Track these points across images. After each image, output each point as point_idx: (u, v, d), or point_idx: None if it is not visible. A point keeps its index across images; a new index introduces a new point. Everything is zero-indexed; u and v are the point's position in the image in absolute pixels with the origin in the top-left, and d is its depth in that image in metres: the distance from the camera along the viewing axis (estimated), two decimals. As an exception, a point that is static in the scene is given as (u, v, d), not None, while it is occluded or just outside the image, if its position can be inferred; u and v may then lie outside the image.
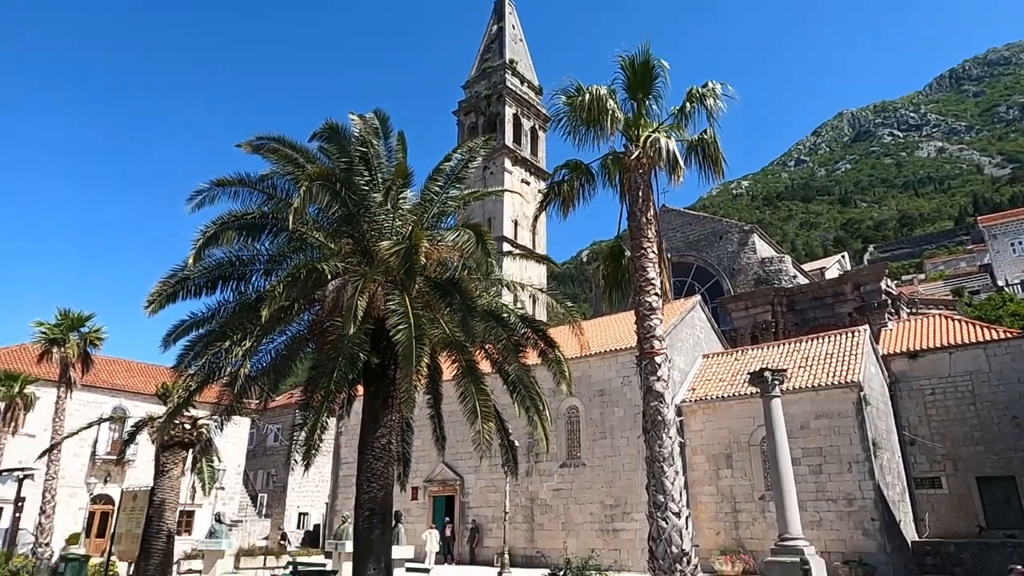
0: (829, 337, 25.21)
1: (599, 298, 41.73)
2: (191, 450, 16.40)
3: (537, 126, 56.85)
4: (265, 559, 23.55)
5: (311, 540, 36.78)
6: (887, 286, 33.50)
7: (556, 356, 11.86)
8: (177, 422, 14.86)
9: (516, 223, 49.83)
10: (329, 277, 10.28)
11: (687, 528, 8.55)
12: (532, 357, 12.25)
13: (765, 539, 21.91)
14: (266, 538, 36.95)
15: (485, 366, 11.98)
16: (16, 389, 26.20)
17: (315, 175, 10.02)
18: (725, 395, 24.10)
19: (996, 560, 20.52)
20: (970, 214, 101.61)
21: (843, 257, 63.54)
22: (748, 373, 24.14)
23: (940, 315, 30.26)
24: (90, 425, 19.28)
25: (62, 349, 24.59)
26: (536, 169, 54.22)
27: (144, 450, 27.57)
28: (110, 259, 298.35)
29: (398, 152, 12.07)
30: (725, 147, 10.50)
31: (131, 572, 15.75)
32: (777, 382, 12.01)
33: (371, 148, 11.42)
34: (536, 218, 11.18)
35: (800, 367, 23.28)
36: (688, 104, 10.22)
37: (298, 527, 40.62)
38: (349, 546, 16.98)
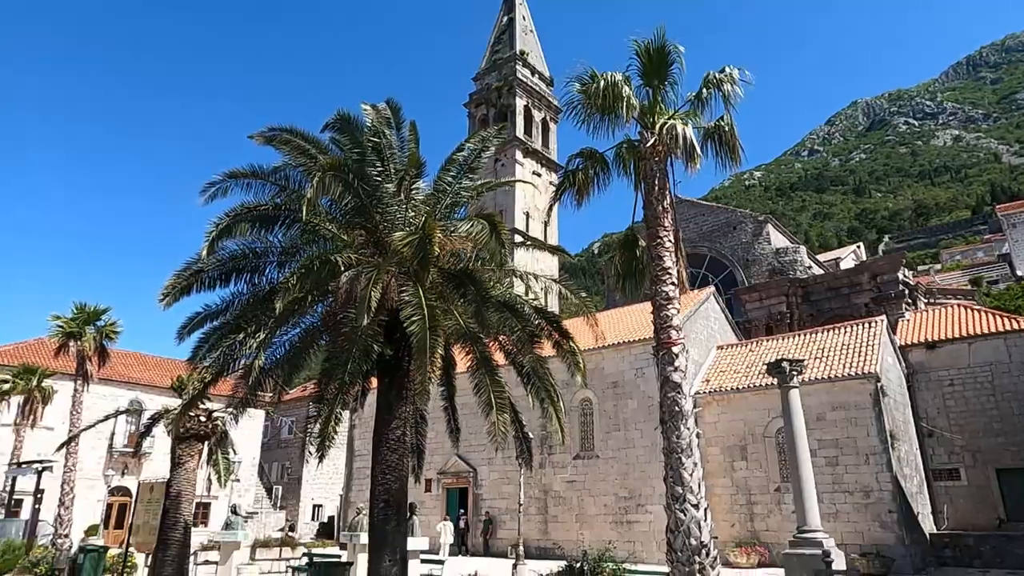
0: (845, 328, 24.94)
1: (611, 290, 41.57)
2: (207, 442, 16.47)
3: (548, 118, 56.57)
4: (281, 550, 23.69)
5: (325, 532, 37.02)
6: (904, 276, 33.07)
7: (571, 347, 11.76)
8: (192, 414, 14.92)
9: (528, 215, 49.69)
10: (342, 268, 10.22)
11: (706, 520, 8.45)
12: (546, 348, 12.16)
13: (781, 531, 21.78)
14: (281, 529, 37.25)
15: (499, 358, 11.92)
16: (34, 383, 26.49)
17: (328, 166, 9.95)
18: (740, 387, 23.93)
19: (1016, 553, 20.29)
20: (987, 203, 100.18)
21: (858, 247, 62.86)
22: (765, 364, 24.02)
23: (958, 305, 29.83)
24: (107, 418, 19.42)
25: (79, 343, 24.81)
26: (547, 161, 53.99)
27: (161, 443, 27.82)
28: (125, 253, 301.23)
29: (410, 142, 11.97)
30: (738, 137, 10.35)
31: (149, 563, 15.88)
32: (795, 372, 11.85)
33: (383, 138, 11.33)
34: (551, 207, 11.11)
35: (816, 358, 23.05)
36: (705, 90, 10.04)
37: (313, 519, 40.91)
38: (364, 538, 17.03)
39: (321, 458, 10.30)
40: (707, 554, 8.21)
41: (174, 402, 17.66)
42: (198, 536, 21.94)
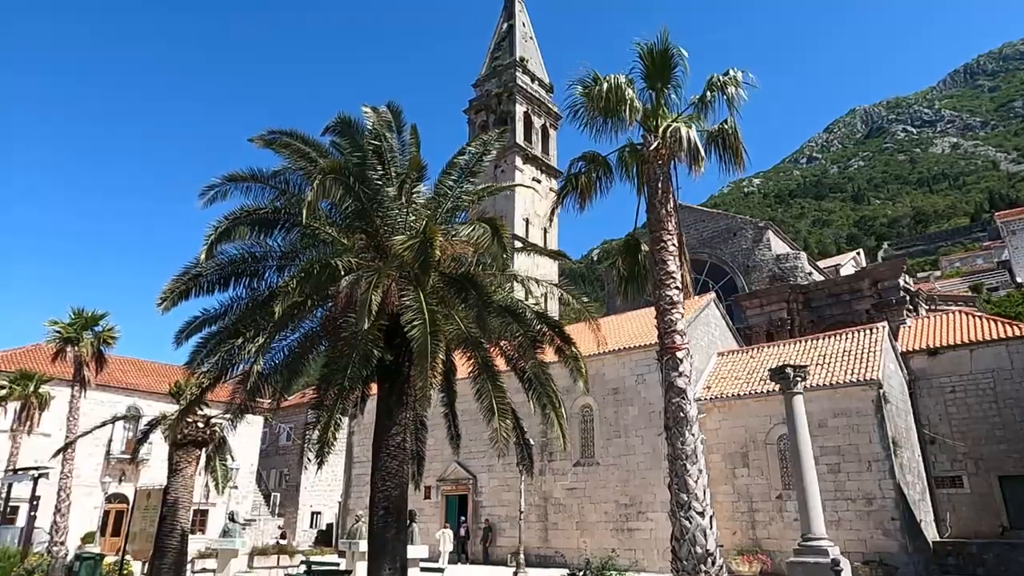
0: (847, 334, 24.85)
1: (612, 296, 41.48)
2: (204, 449, 16.33)
3: (548, 124, 56.60)
4: (279, 558, 23.49)
5: (324, 539, 36.76)
6: (905, 282, 33.01)
7: (573, 353, 11.65)
8: (190, 420, 14.80)
9: (527, 221, 49.64)
10: (342, 273, 10.12)
11: (711, 528, 8.32)
12: (548, 354, 12.05)
13: (783, 539, 21.62)
14: (275, 537, 36.99)
15: (500, 363, 11.82)
16: (31, 388, 26.33)
17: (328, 169, 9.87)
18: (741, 393, 23.80)
19: (1020, 561, 20.12)
20: (986, 210, 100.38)
21: (858, 254, 62.83)
22: (766, 371, 23.93)
23: (960, 311, 29.75)
24: (104, 424, 19.28)
25: (76, 348, 24.64)
26: (547, 167, 53.98)
27: (158, 449, 27.62)
28: (123, 257, 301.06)
29: (411, 146, 11.89)
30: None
31: (145, 571, 15.71)
32: (799, 378, 11.74)
33: (384, 142, 11.26)
34: (553, 210, 10.96)
35: (818, 365, 22.94)
36: (708, 93, 9.97)
37: (311, 526, 40.64)
38: (363, 545, 16.87)
39: (320, 464, 10.18)
40: (713, 563, 8.08)
41: (172, 408, 17.51)
42: (195, 543, 21.74)
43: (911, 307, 31.77)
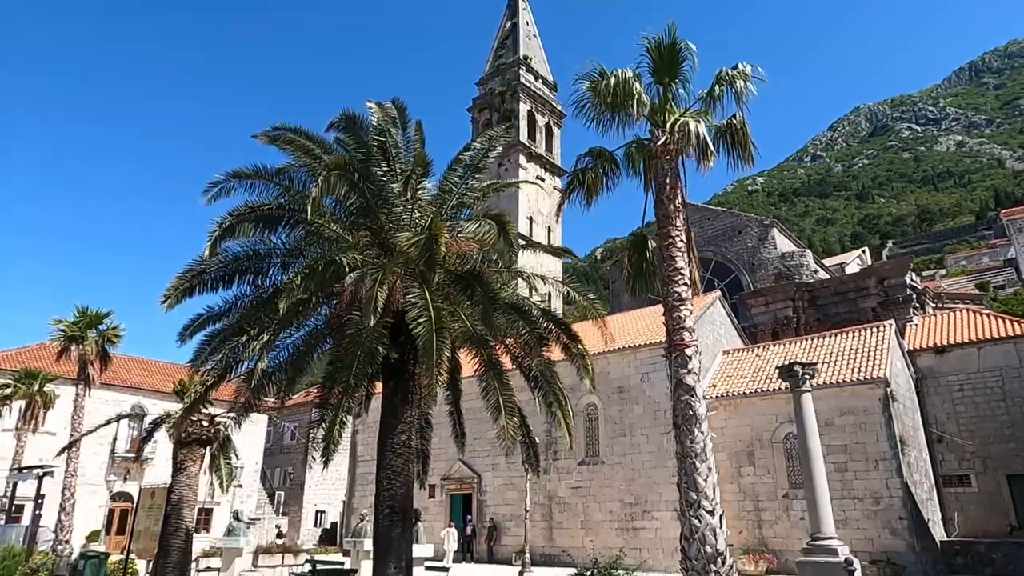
0: (853, 332, 24.69)
1: (616, 294, 41.36)
2: (209, 447, 16.29)
3: (552, 122, 56.49)
4: (283, 557, 23.45)
5: (328, 538, 36.74)
6: (912, 280, 32.83)
7: (580, 350, 11.56)
8: (194, 419, 14.76)
9: (531, 220, 49.55)
10: (347, 269, 10.05)
11: (721, 527, 8.22)
12: (554, 352, 11.96)
13: (789, 538, 21.50)
14: (279, 536, 36.98)
15: (505, 361, 11.74)
16: (36, 387, 26.33)
17: (333, 165, 9.79)
18: (747, 392, 23.68)
19: (1029, 560, 19.98)
20: (991, 208, 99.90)
21: (863, 252, 62.54)
22: (772, 369, 23.88)
23: (967, 309, 29.57)
24: (108, 422, 19.25)
25: (80, 346, 24.65)
26: (551, 166, 53.88)
27: (163, 448, 27.61)
28: (127, 256, 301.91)
29: (416, 142, 11.80)
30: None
31: (150, 569, 15.68)
32: (808, 376, 11.62)
33: (389, 138, 11.17)
34: (560, 206, 10.87)
35: (824, 363, 22.78)
36: (717, 87, 9.86)
37: (315, 525, 40.63)
38: (368, 544, 16.82)
39: (326, 463, 10.11)
40: (723, 562, 7.98)
41: (176, 407, 17.46)
42: (200, 542, 21.72)
43: (918, 305, 31.59)
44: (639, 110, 9.61)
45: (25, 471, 24.76)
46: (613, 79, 9.52)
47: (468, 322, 10.56)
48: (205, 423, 15.51)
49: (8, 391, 26.28)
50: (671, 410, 23.79)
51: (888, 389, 20.91)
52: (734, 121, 10.01)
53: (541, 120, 55.25)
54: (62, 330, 24.59)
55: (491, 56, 59.64)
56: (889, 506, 19.97)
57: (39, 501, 22.88)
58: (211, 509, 34.71)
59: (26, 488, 26.01)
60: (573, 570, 12.80)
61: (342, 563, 18.84)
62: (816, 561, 10.30)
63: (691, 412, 8.98)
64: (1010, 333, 24.68)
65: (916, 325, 28.69)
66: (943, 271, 74.40)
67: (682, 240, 9.50)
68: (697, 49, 9.84)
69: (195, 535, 16.41)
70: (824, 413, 20.97)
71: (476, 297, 10.36)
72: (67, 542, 23.10)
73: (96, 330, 25.22)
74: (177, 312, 10.98)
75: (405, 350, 11.03)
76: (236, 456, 19.51)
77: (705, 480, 8.50)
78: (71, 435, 24.32)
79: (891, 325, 24.25)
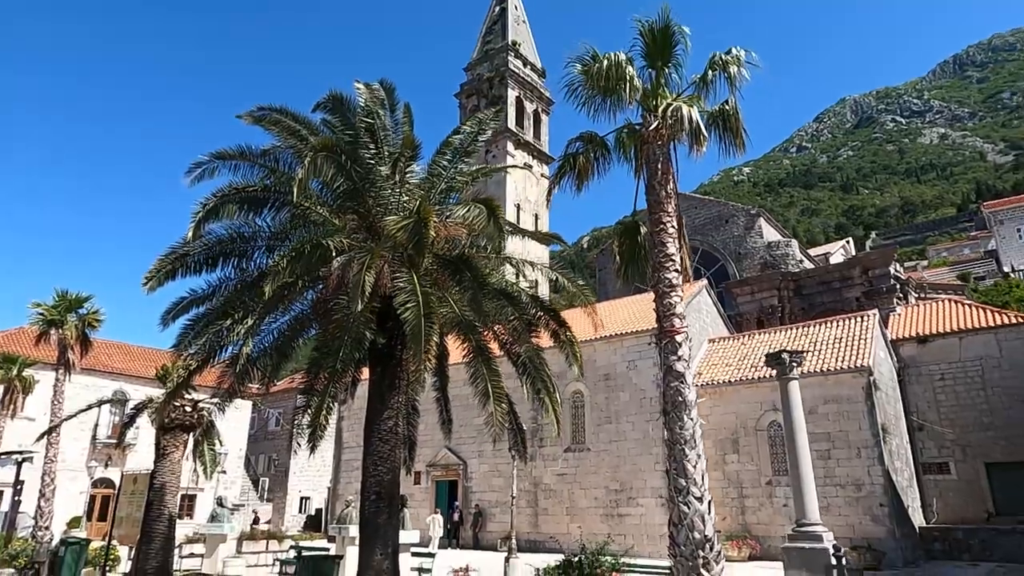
0: (838, 321, 24.89)
1: (602, 283, 41.41)
2: (192, 433, 16.12)
3: (540, 109, 56.19)
4: (267, 543, 23.34)
5: (313, 524, 36.69)
6: (895, 270, 33.13)
7: (569, 337, 11.52)
8: (177, 404, 14.58)
9: (518, 207, 49.38)
10: (334, 253, 9.91)
11: (709, 513, 8.24)
12: (543, 339, 11.90)
13: (772, 524, 21.74)
14: (268, 522, 36.87)
15: (493, 347, 11.67)
16: (15, 372, 25.90)
17: (319, 146, 9.61)
18: (732, 380, 23.83)
19: (1005, 546, 20.35)
20: (973, 201, 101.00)
21: (847, 243, 63.14)
22: (757, 357, 24.02)
23: (949, 300, 29.90)
24: (89, 407, 19.01)
25: (60, 331, 24.25)
26: (539, 153, 53.65)
27: (145, 434, 27.35)
28: (109, 241, 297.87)
29: (404, 125, 11.62)
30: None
31: (132, 556, 15.52)
32: (795, 364, 11.68)
33: (377, 120, 10.99)
34: (550, 190, 10.74)
35: (809, 352, 22.91)
36: (710, 72, 9.76)
37: (300, 511, 40.55)
38: (353, 530, 16.75)
39: (312, 449, 10.01)
40: (711, 548, 8.00)
41: (159, 392, 17.25)
42: (183, 528, 21.56)
43: (901, 295, 31.90)
44: (631, 94, 9.49)
45: (4, 457, 24.41)
46: (606, 62, 9.40)
47: (456, 308, 10.47)
48: (188, 408, 15.33)
49: (-14, 376, 25.84)
50: (658, 397, 23.91)
51: (871, 378, 21.12)
52: (726, 107, 9.93)
53: (529, 107, 54.94)
54: (41, 314, 24.17)
55: (479, 41, 59.13)
56: (871, 493, 20.23)
57: (18, 487, 22.59)
58: (194, 495, 34.48)
59: (5, 474, 25.69)
60: (559, 556, 12.81)
61: (327, 549, 18.78)
62: (801, 547, 10.39)
63: (680, 399, 8.97)
64: (991, 323, 25.01)
65: (899, 315, 28.99)
66: (925, 262, 75.17)
67: (673, 226, 9.44)
68: (690, 32, 9.72)
69: (178, 521, 16.27)
70: (808, 401, 21.13)
71: (465, 282, 10.26)
72: (47, 528, 22.83)
73: (76, 314, 24.80)
74: (160, 297, 10.84)
75: (392, 335, 10.93)
76: (220, 442, 19.36)
77: (694, 467, 8.50)
78: (51, 421, 23.96)
79: (875, 315, 24.46)
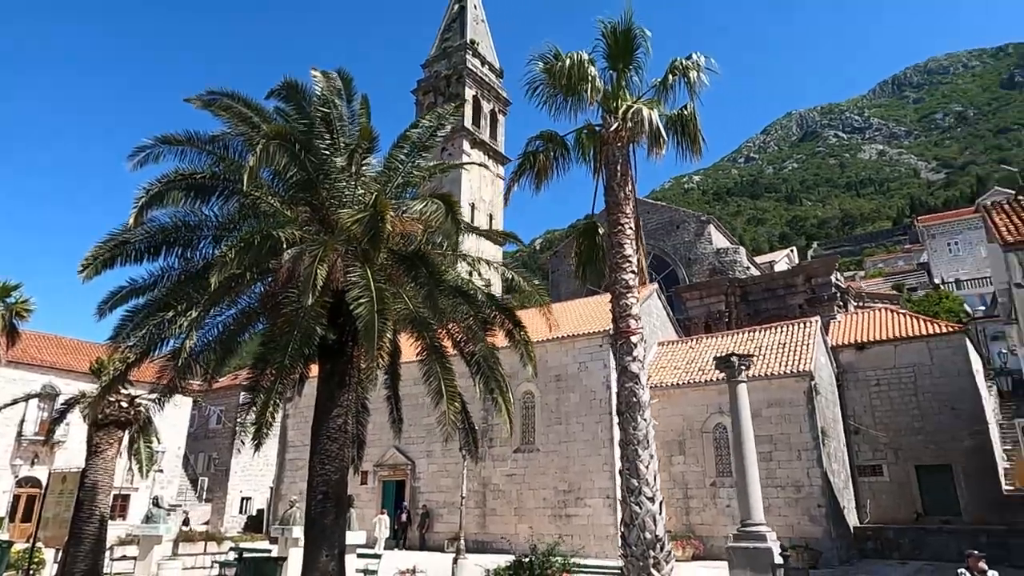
0: (782, 327, 25.61)
1: (554, 284, 41.59)
2: (128, 430, 15.42)
3: (497, 109, 56.14)
4: (206, 545, 22.53)
5: (254, 525, 35.68)
6: (836, 279, 34.33)
7: (524, 337, 11.45)
8: (112, 399, 13.91)
9: (473, 206, 49.19)
10: (285, 245, 9.58)
11: (660, 513, 8.29)
12: (498, 338, 11.81)
13: (715, 524, 22.21)
14: (206, 523, 35.66)
15: (446, 345, 11.52)
16: (-68, 363, 24.33)
17: (273, 134, 9.28)
18: (680, 382, 24.24)
19: (933, 545, 21.29)
20: (907, 215, 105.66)
21: (792, 251, 65.18)
22: (705, 361, 24.49)
23: (886, 309, 31.15)
24: (15, 402, 18.00)
25: (-15, 321, 22.88)
26: (494, 153, 53.58)
27: (76, 431, 26.07)
28: (41, 229, 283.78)
29: (361, 116, 11.37)
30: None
31: (59, 559, 14.74)
32: (744, 367, 11.90)
33: (334, 110, 10.69)
34: (510, 188, 10.67)
35: (754, 356, 23.52)
36: (671, 76, 9.85)
37: (241, 512, 39.37)
38: (297, 531, 16.30)
39: (257, 448, 9.66)
40: (661, 548, 8.05)
41: (92, 387, 16.41)
42: (115, 530, 20.63)
43: (841, 303, 33.07)
44: (593, 94, 9.50)
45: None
46: (568, 61, 9.39)
47: (411, 304, 10.27)
48: (124, 404, 14.66)
49: (-100, 367, 24.18)
50: (607, 399, 24.17)
51: (813, 383, 21.79)
52: (685, 112, 10.04)
53: (486, 106, 54.83)
54: (-36, 303, 22.76)
55: (438, 38, 58.72)
56: (809, 494, 20.87)
57: (-66, 486, 21.19)
58: (128, 495, 33.06)
59: (-81, 472, 24.05)
60: (508, 556, 12.76)
61: (269, 551, 18.25)
62: (745, 547, 10.58)
63: (635, 399, 9.01)
64: (923, 332, 26.15)
65: (839, 322, 30.04)
66: (862, 272, 78.23)
67: (631, 228, 9.49)
68: (651, 36, 9.80)
69: (110, 522, 15.54)
70: (753, 404, 21.47)
71: (421, 279, 10.07)
72: (-35, 530, 21.52)
73: (3, 303, 23.45)
74: (96, 288, 10.26)
75: (344, 332, 10.67)
76: (158, 440, 18.56)
77: (647, 467, 8.54)
78: (-28, 416, 22.60)
79: (817, 321, 25.27)
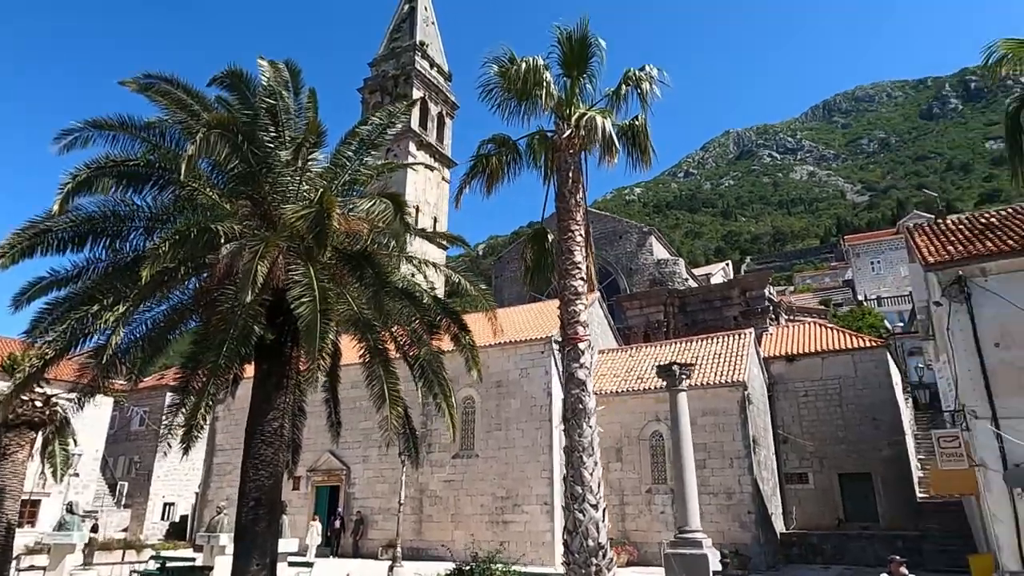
0: (717, 338, 26.30)
1: (497, 290, 41.56)
2: (42, 431, 14.46)
3: (444, 113, 55.86)
4: (124, 553, 21.33)
5: (177, 532, 34.09)
6: (769, 293, 35.56)
7: (470, 341, 11.32)
8: (25, 398, 13.01)
9: (417, 209, 48.70)
10: (223, 240, 9.17)
11: (604, 521, 8.31)
12: (444, 342, 11.64)
13: (649, 531, 22.56)
14: (124, 530, 33.85)
15: (389, 348, 11.28)
16: None
17: (214, 123, 8.87)
18: (619, 390, 24.55)
19: (853, 551, 22.25)
20: (834, 234, 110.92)
21: (727, 265, 67.24)
22: (644, 369, 24.91)
23: (815, 323, 32.48)
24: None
25: None
26: (441, 156, 53.26)
27: (-19, 431, 24.26)
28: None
29: (309, 110, 11.02)
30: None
31: (-43, 570, 13.67)
32: (684, 376, 12.11)
33: (280, 101, 10.33)
34: (460, 190, 10.53)
35: (693, 365, 24.08)
36: (624, 86, 9.96)
37: (163, 518, 37.54)
38: (224, 539, 15.67)
39: (186, 451, 9.20)
40: (604, 555, 8.06)
41: (3, 385, 15.32)
42: (23, 538, 19.31)
43: (773, 316, 34.27)
44: (547, 100, 9.50)
45: None
46: (524, 65, 9.35)
47: (355, 305, 10.01)
48: (39, 404, 13.76)
49: None
50: (549, 406, 24.21)
51: (746, 392, 22.45)
52: (636, 123, 10.16)
53: (434, 109, 54.48)
54: None
55: (387, 38, 58.03)
56: (740, 501, 21.46)
57: None
58: (39, 500, 31.01)
59: None
60: (443, 564, 12.55)
61: (193, 559, 17.45)
62: (682, 553, 10.73)
63: (581, 406, 9.01)
64: (849, 346, 27.35)
65: (771, 334, 31.11)
66: (792, 287, 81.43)
67: (581, 235, 9.52)
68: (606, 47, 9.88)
69: (18, 529, 14.51)
70: (689, 413, 22.16)
71: (367, 279, 9.83)
72: None
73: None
74: (13, 278, 9.55)
75: (283, 331, 10.32)
76: (74, 442, 17.50)
77: (591, 474, 8.54)
78: None
79: (751, 333, 26.08)
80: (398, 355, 11.72)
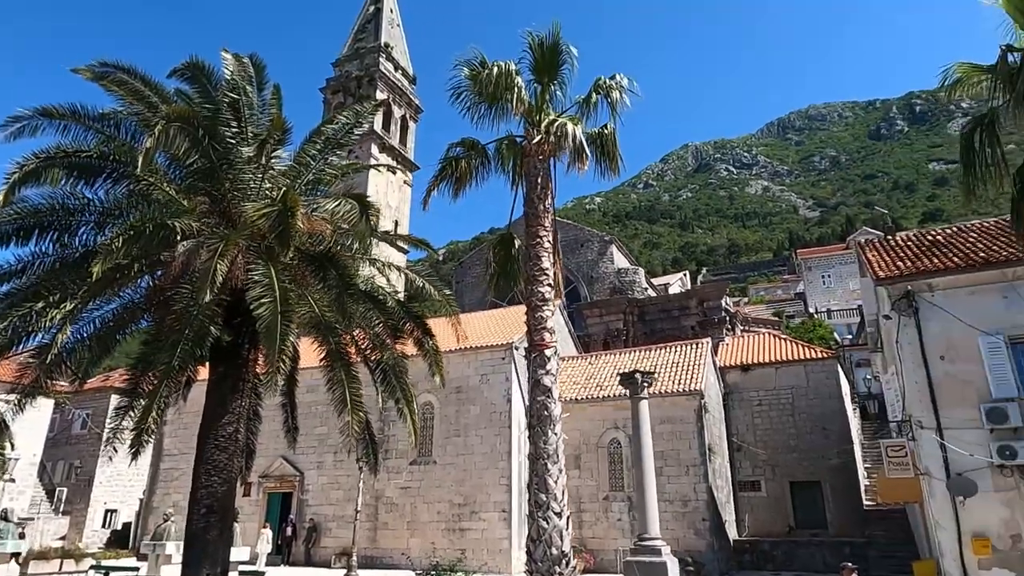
0: (675, 347, 26.66)
1: (458, 295, 41.35)
2: (-24, 434, 13.68)
3: (408, 116, 55.42)
4: (62, 563, 20.37)
5: (119, 540, 32.78)
6: (726, 304, 36.26)
7: (433, 346, 11.18)
8: (-40, 399, 12.28)
9: (379, 211, 48.11)
10: (180, 237, 8.86)
11: (567, 529, 8.26)
12: (408, 346, 11.46)
13: (606, 538, 22.64)
14: (62, 538, 32.37)
15: (350, 351, 11.05)
16: None
17: (174, 115, 8.58)
18: (579, 397, 24.62)
19: (802, 557, 22.73)
20: (786, 248, 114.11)
21: (685, 275, 68.38)
22: (620, 374, 24.83)
23: (769, 333, 33.23)
24: None
25: None
26: (404, 159, 52.78)
27: (-92, 433, 22.90)
28: None
29: (273, 106, 10.75)
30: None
31: None
32: (646, 384, 12.20)
33: (243, 96, 10.04)
34: (429, 193, 10.42)
35: (654, 373, 24.32)
36: (594, 94, 10.02)
37: (104, 526, 36.03)
38: (170, 547, 15.11)
39: (136, 455, 8.81)
40: (567, 564, 8.02)
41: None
42: (-49, 547, 18.21)
43: (730, 326, 34.93)
44: (518, 105, 9.49)
45: None
46: (495, 70, 9.32)
47: (317, 307, 9.77)
48: (-26, 405, 12.98)
49: None
50: (508, 412, 24.10)
51: (703, 401, 22.78)
52: (605, 131, 10.23)
53: (397, 112, 54.01)
54: None
55: (351, 38, 57.34)
56: (695, 508, 21.73)
57: None
58: (-31, 507, 29.45)
59: None
60: (400, 572, 12.34)
61: (136, 569, 16.76)
62: (642, 560, 10.77)
63: (546, 413, 8.96)
64: (802, 357, 28.05)
65: (727, 344, 31.70)
66: (746, 299, 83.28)
67: (549, 241, 9.51)
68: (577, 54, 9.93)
69: (-53, 539, 13.70)
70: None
71: (330, 281, 9.62)
72: None
73: None
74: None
75: (240, 333, 10.01)
76: (11, 446, 16.68)
77: (555, 482, 8.50)
78: None
79: (707, 343, 26.52)
80: (358, 358, 11.50)
